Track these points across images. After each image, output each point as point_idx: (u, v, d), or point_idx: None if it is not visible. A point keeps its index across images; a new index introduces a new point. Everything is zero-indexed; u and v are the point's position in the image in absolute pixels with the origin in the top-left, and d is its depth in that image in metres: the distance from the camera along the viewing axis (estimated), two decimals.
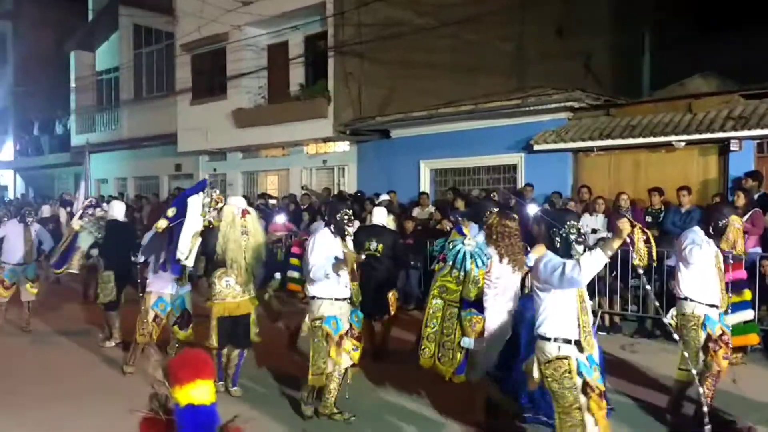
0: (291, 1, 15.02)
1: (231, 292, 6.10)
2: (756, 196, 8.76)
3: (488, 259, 5.19)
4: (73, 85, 23.48)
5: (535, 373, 4.13)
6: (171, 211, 6.25)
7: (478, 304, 5.18)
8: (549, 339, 4.04)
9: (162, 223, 6.25)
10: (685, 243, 5.26)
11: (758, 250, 7.80)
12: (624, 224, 3.90)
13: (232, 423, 2.47)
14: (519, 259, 5.29)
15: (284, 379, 6.61)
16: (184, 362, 2.49)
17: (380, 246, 7.36)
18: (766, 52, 15.95)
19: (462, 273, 5.17)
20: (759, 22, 16.41)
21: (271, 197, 15.45)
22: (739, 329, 6.47)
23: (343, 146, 15.58)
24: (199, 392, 2.45)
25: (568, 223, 4.09)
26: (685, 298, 5.32)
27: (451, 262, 5.23)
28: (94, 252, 8.42)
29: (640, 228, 4.23)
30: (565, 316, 4.04)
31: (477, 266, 5.11)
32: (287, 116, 15.40)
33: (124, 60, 21.07)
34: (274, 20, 15.66)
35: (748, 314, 6.96)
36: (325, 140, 15.50)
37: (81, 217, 8.40)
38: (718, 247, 5.31)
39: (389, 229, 8.02)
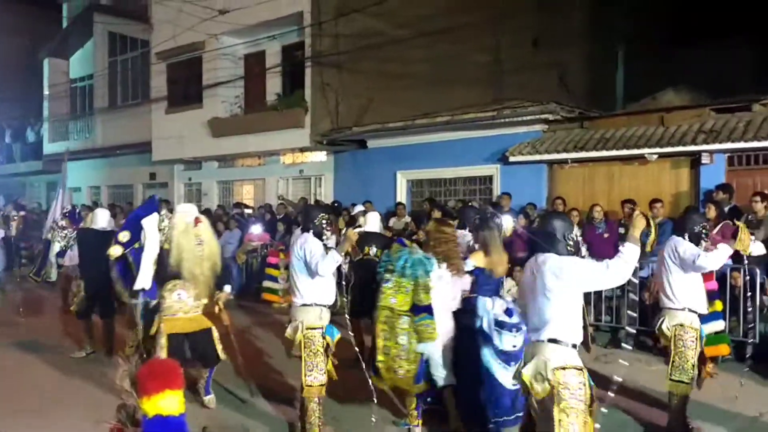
0: (268, 10, 15.00)
1: (182, 306, 5.80)
2: (726, 209, 8.88)
3: (434, 263, 5.24)
4: (46, 92, 23.22)
5: (550, 375, 3.87)
6: (124, 236, 5.81)
7: (429, 308, 5.17)
8: (563, 343, 3.89)
9: (116, 251, 5.79)
10: (684, 250, 5.26)
11: (728, 261, 7.89)
12: (639, 217, 3.99)
13: None
14: (456, 264, 5.36)
15: (262, 390, 6.53)
16: (152, 373, 2.45)
17: (378, 251, 7.39)
18: (737, 66, 16.30)
19: (412, 281, 5.17)
20: (730, 37, 16.76)
21: (246, 207, 15.39)
22: (710, 340, 6.56)
23: (320, 156, 15.56)
24: (167, 403, 2.41)
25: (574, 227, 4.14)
26: (684, 309, 5.31)
27: (399, 273, 5.24)
28: (60, 260, 8.29)
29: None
30: (573, 320, 3.94)
31: (427, 271, 5.15)
32: (264, 126, 15.36)
33: (99, 68, 20.86)
34: (250, 30, 15.63)
35: (719, 325, 7.07)
36: (302, 150, 15.48)
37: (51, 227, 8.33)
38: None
39: (384, 235, 8.09)
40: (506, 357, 5.11)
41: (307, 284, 5.25)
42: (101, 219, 8.13)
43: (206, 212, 15.83)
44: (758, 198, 8.33)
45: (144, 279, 5.74)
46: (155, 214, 5.84)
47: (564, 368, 3.84)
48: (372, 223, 7.87)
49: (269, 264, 12.02)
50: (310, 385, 5.15)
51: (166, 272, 5.77)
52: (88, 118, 21.82)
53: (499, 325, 5.19)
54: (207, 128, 16.73)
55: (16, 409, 6.07)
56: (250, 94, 16.55)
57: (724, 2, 17.18)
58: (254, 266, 12.88)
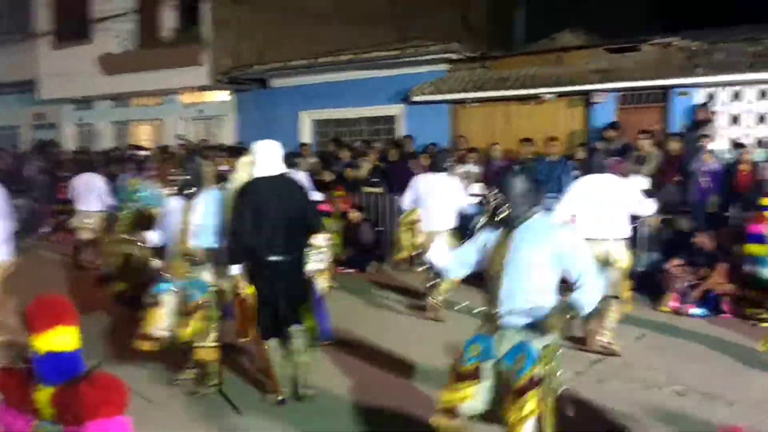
0: None
1: None
2: (618, 146, 9.32)
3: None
4: None
5: None
6: None
7: None
8: None
9: None
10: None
11: None
12: None
13: (97, 369, 2.37)
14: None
15: None
16: (41, 308, 2.36)
17: None
18: (632, 8, 16.91)
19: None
20: None
21: (143, 148, 14.78)
22: None
23: (222, 96, 15.09)
24: (60, 339, 2.34)
25: None
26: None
27: None
28: None
29: None
30: None
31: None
32: (159, 63, 14.64)
33: None
34: None
35: None
36: (201, 89, 14.93)
37: None
38: None
39: None
40: None
41: None
42: None
43: (101, 154, 15.16)
44: (642, 135, 8.78)
45: None
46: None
47: None
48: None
49: None
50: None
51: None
52: None
53: None
54: (98, 65, 15.80)
55: None
56: (143, 29, 15.64)
57: None
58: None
